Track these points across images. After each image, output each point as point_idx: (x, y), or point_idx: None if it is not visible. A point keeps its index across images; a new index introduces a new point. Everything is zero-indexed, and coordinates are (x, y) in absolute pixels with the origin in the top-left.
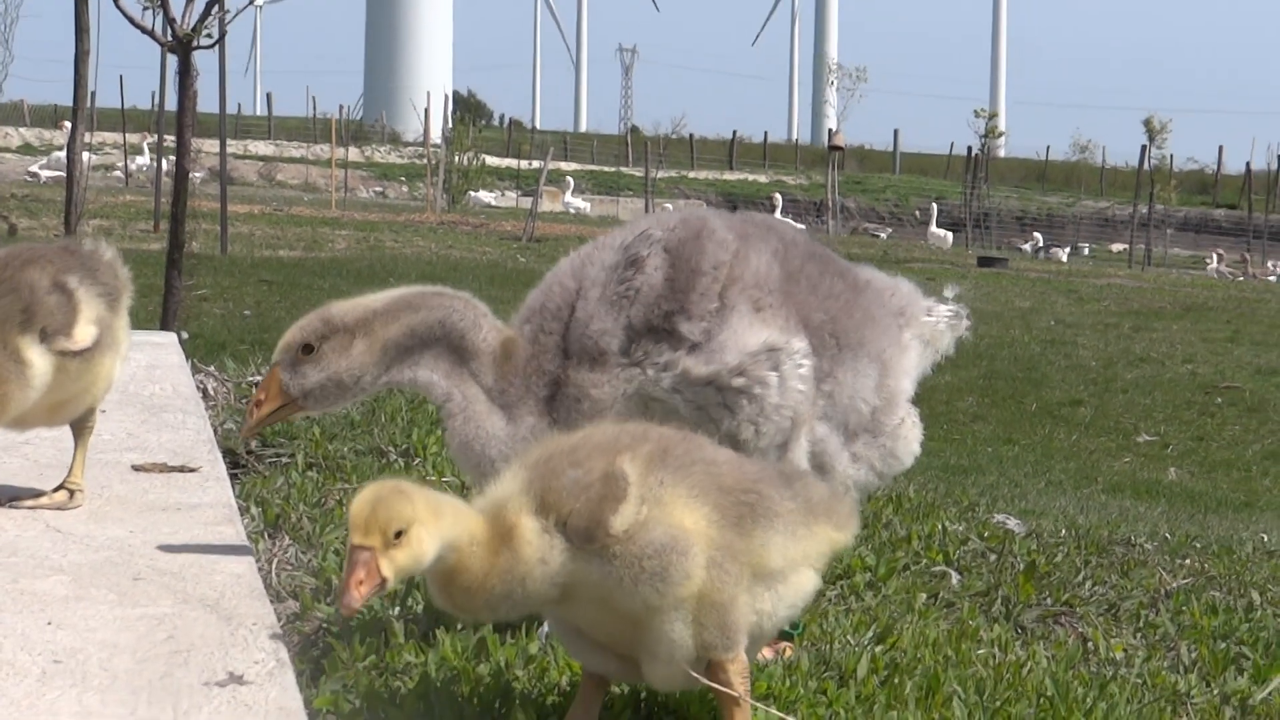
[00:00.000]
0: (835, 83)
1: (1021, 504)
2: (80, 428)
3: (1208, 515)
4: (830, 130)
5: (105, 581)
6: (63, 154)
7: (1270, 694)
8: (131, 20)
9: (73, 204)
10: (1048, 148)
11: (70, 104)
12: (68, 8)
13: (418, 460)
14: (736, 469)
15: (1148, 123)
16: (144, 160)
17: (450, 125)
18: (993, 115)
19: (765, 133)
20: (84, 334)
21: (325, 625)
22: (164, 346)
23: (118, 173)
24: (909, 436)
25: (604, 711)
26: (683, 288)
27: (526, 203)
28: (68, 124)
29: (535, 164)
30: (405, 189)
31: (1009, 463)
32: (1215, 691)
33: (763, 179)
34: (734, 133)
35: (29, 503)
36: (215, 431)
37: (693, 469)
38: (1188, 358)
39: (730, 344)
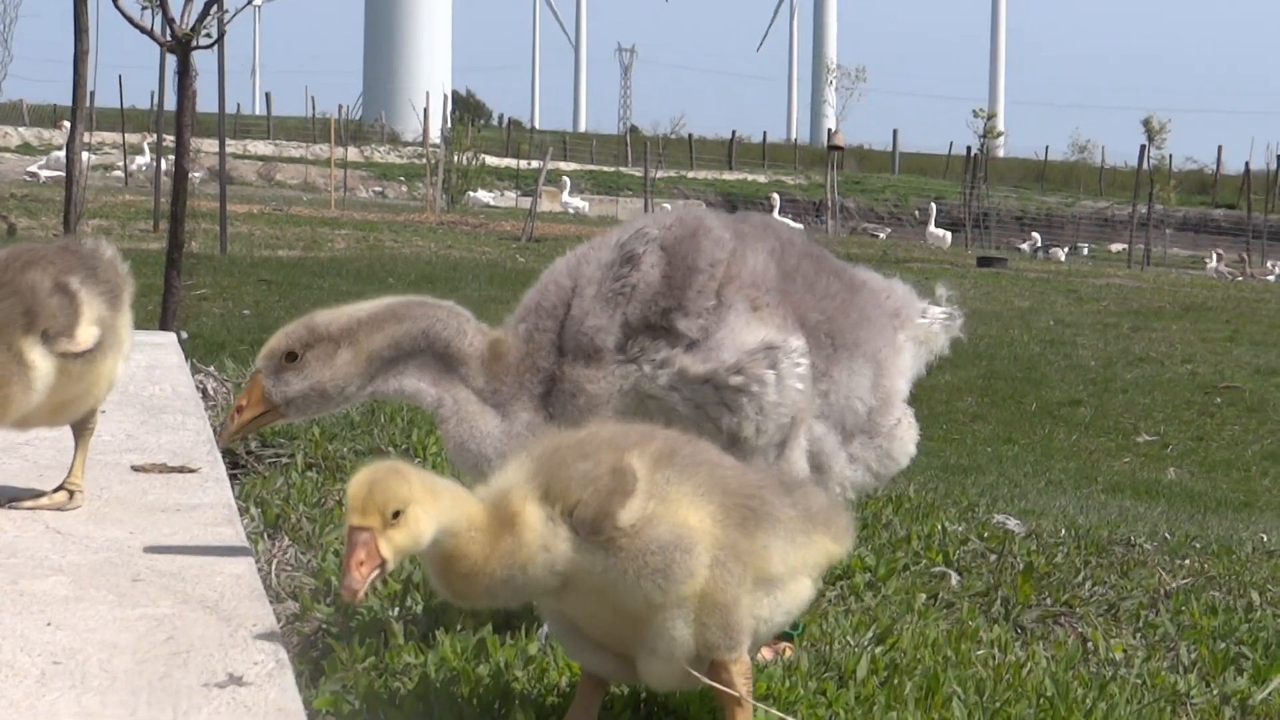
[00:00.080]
0: (834, 82)
1: (1021, 504)
2: (81, 428)
3: (1207, 515)
4: (829, 130)
5: (105, 582)
6: (62, 154)
7: (1270, 694)
8: (130, 20)
9: (72, 204)
10: (1047, 148)
11: (69, 104)
12: (67, 8)
13: (418, 460)
14: (740, 473)
15: (1147, 123)
16: (145, 160)
17: (449, 125)
18: (991, 115)
19: (764, 133)
20: (86, 335)
21: (325, 626)
22: (163, 347)
23: (117, 172)
24: (905, 438)
25: (603, 712)
26: (679, 285)
27: (525, 202)
28: (67, 124)
29: (534, 164)
30: (404, 189)
31: (1008, 463)
32: (1215, 692)
33: (762, 179)
34: (733, 133)
35: (29, 503)
36: (215, 432)
37: (699, 469)
38: (1187, 358)
39: (727, 342)
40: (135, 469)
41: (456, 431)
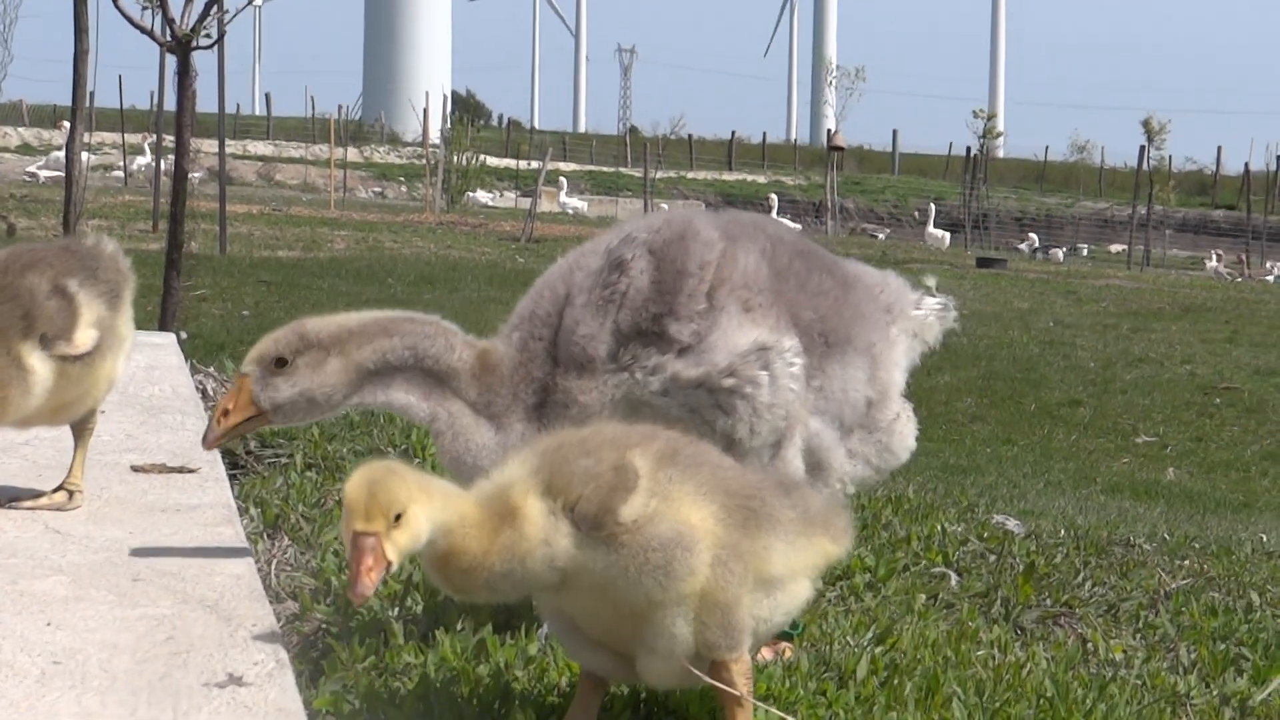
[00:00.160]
0: (834, 83)
1: (1020, 505)
2: (80, 429)
3: (1206, 516)
4: (829, 130)
5: (104, 582)
6: (61, 154)
7: (1270, 695)
8: (130, 20)
9: (71, 204)
10: (1046, 148)
11: (69, 104)
12: (66, 8)
13: (417, 461)
14: (740, 474)
15: (1146, 123)
16: (145, 160)
17: (449, 125)
18: (991, 116)
19: (764, 133)
20: (84, 338)
21: (324, 626)
22: (163, 347)
23: (117, 173)
24: (904, 431)
25: (603, 712)
26: (669, 289)
27: (525, 203)
28: (66, 124)
29: (534, 164)
30: (404, 189)
31: (1008, 463)
32: (1215, 692)
33: (761, 179)
34: (732, 133)
35: (28, 503)
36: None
37: (700, 469)
38: (1186, 358)
39: (720, 345)
40: (135, 469)
41: (452, 446)
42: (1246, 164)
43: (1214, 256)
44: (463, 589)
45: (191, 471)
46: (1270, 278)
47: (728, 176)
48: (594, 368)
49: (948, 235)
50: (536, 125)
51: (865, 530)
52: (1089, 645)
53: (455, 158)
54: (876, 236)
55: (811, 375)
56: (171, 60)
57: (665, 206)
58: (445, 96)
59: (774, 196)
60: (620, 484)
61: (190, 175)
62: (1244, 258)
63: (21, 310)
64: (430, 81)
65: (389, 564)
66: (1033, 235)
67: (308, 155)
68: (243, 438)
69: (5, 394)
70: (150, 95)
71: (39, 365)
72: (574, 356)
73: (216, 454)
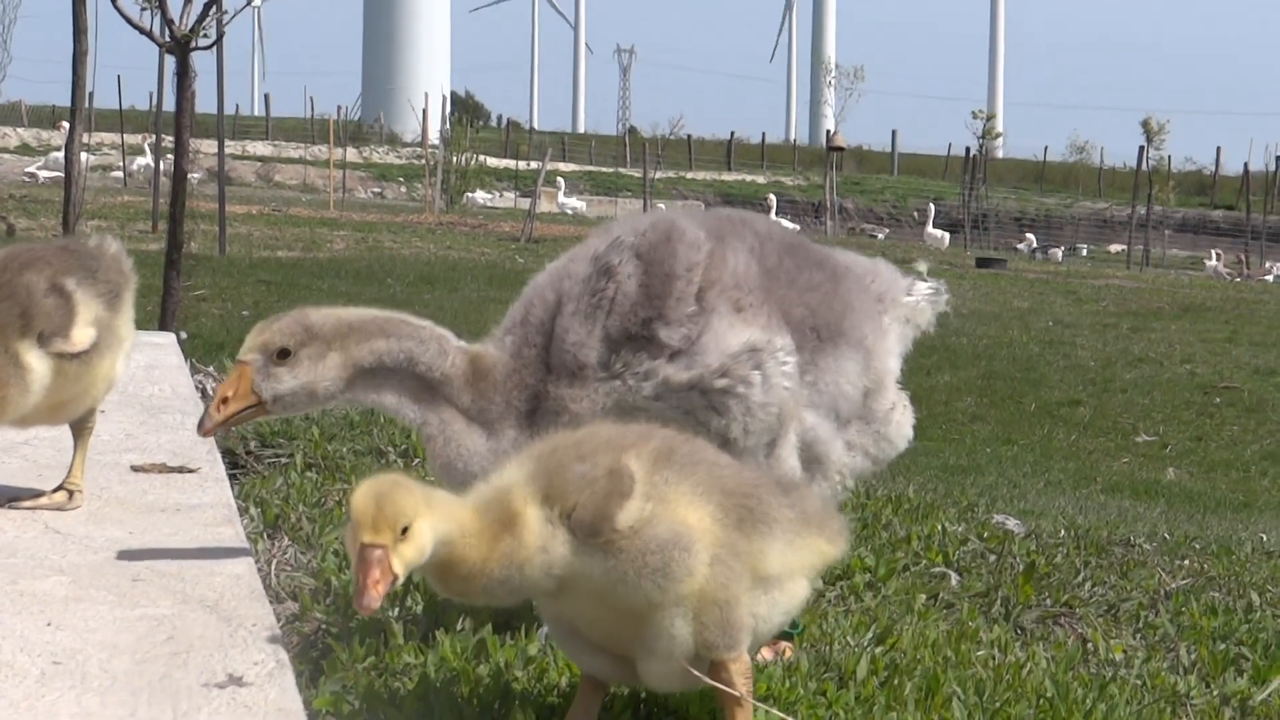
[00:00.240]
0: (833, 83)
1: (1021, 504)
2: (80, 428)
3: (1206, 515)
4: (829, 131)
5: (105, 582)
6: (60, 154)
7: (1270, 695)
8: (129, 21)
9: (71, 204)
10: (1045, 148)
11: (68, 104)
12: (66, 8)
13: (416, 461)
14: (737, 473)
15: (1146, 123)
16: (145, 161)
17: (448, 126)
18: (990, 116)
19: (763, 133)
20: (81, 336)
21: (324, 626)
22: (163, 347)
23: (116, 173)
24: (901, 421)
25: (603, 712)
26: (658, 294)
27: (524, 203)
28: (65, 124)
29: (533, 165)
30: (403, 190)
31: (1008, 463)
32: (1215, 692)
33: (761, 180)
34: (732, 133)
35: (28, 503)
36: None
37: (697, 468)
38: (1186, 358)
39: (711, 346)
40: (135, 469)
41: (444, 451)
42: (1246, 164)
43: (1213, 256)
44: (461, 593)
45: (191, 471)
46: (1269, 277)
47: (727, 177)
48: (585, 375)
49: (947, 235)
50: (536, 126)
51: (865, 530)
52: (1089, 645)
53: (454, 158)
54: (876, 237)
55: (805, 370)
56: (171, 61)
57: (662, 206)
58: (444, 97)
59: (772, 197)
60: (616, 490)
61: (189, 176)
62: (1243, 258)
63: (19, 308)
64: (429, 82)
65: (395, 576)
66: (1030, 235)
67: (307, 156)
68: (243, 438)
69: (4, 392)
70: (149, 96)
71: (36, 363)
72: (565, 364)
73: (217, 454)
